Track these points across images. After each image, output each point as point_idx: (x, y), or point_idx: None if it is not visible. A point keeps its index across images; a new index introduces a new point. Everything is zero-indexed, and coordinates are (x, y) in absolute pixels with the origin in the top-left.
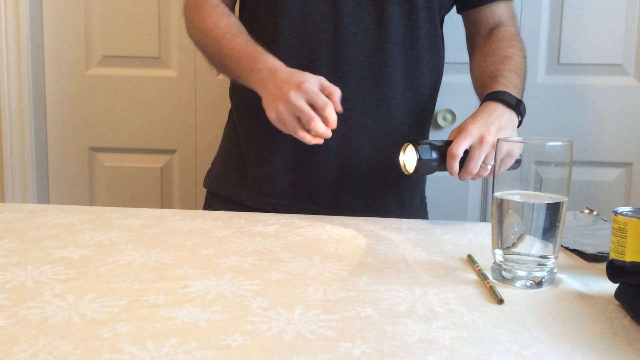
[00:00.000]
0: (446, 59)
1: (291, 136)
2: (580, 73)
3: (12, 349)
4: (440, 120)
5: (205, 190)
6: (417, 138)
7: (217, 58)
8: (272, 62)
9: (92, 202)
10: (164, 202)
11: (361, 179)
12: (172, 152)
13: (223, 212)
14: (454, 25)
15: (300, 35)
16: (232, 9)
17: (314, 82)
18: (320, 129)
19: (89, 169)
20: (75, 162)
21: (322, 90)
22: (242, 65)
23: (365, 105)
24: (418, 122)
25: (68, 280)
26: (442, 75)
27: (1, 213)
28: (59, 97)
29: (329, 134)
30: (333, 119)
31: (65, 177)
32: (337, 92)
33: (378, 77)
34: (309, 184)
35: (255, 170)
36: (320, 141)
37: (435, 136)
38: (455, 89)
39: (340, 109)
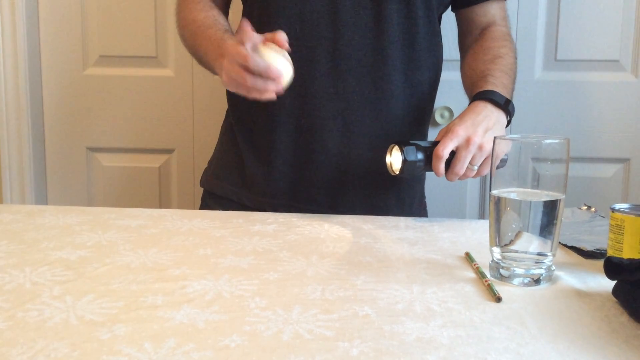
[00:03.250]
0: (444, 57)
1: (289, 136)
2: (578, 69)
3: (10, 352)
4: (437, 118)
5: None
6: (415, 137)
7: (194, 51)
8: (229, 41)
9: (90, 203)
10: (162, 202)
11: (360, 178)
12: (170, 151)
13: (221, 211)
14: (450, 22)
15: (297, 34)
16: (226, 5)
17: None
18: (257, 85)
19: (86, 169)
20: (73, 163)
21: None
22: (210, 54)
23: (364, 103)
24: (417, 120)
25: (66, 282)
26: (440, 73)
27: None
28: (56, 97)
29: (273, 90)
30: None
31: (63, 177)
32: (278, 34)
33: (377, 75)
34: (308, 183)
35: (254, 170)
36: (271, 96)
37: (432, 133)
38: (453, 86)
39: (287, 46)
